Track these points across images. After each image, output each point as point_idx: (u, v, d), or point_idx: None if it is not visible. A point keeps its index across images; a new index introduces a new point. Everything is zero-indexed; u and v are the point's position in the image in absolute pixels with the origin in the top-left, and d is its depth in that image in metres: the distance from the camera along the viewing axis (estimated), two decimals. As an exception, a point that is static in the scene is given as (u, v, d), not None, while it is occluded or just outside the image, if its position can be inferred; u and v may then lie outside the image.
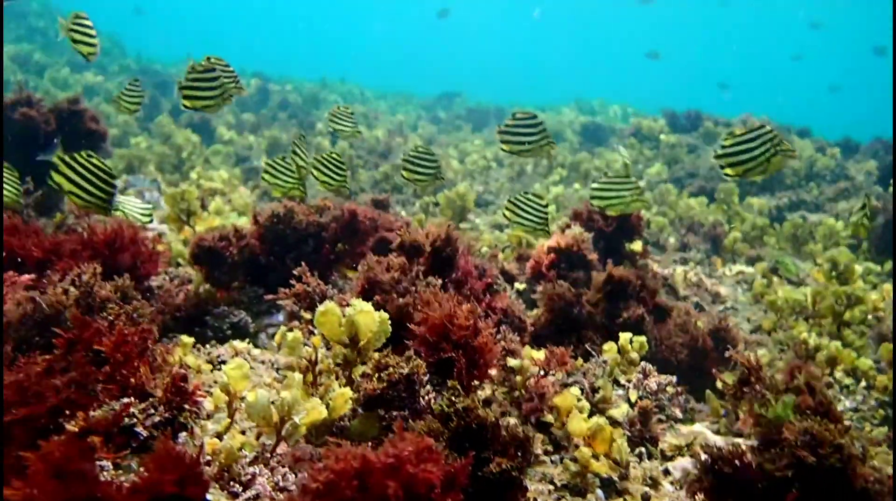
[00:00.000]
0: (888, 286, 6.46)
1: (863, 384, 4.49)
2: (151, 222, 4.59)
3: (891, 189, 10.35)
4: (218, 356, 3.43)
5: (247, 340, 4.07)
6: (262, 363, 3.49)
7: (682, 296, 5.98)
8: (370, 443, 2.19)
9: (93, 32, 4.16)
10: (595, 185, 4.38)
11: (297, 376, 2.75)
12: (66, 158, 3.16)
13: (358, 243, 5.27)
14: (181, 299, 4.27)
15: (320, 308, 2.97)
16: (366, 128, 16.88)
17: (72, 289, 2.56)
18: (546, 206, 4.67)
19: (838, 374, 4.43)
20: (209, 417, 2.53)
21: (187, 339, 3.21)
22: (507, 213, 4.72)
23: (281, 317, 4.65)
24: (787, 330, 4.97)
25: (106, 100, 16.34)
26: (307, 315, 3.78)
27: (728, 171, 3.70)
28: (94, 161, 3.23)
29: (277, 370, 3.41)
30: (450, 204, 8.72)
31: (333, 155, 4.47)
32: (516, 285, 5.37)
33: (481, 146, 16.03)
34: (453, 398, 2.20)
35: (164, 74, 20.66)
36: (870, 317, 5.55)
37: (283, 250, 4.54)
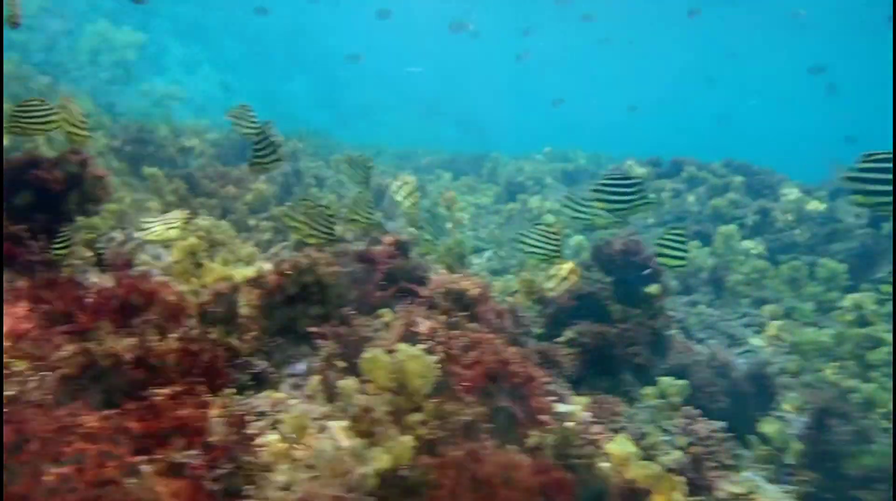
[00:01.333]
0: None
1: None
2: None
3: (883, 230, 10.51)
4: (255, 407, 3.28)
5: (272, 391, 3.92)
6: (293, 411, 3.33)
7: (698, 339, 5.94)
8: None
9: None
10: (660, 241, 4.04)
11: (356, 425, 2.62)
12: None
13: (373, 288, 5.16)
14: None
15: (367, 355, 2.86)
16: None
17: (126, 340, 2.43)
18: (557, 234, 4.63)
19: (875, 417, 4.37)
20: (268, 468, 2.38)
21: (227, 390, 3.05)
22: (520, 245, 4.67)
23: (303, 367, 4.50)
24: (814, 373, 4.92)
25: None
26: (341, 363, 3.65)
27: (858, 198, 3.12)
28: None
29: (316, 420, 3.26)
30: (448, 251, 8.67)
31: (363, 196, 4.47)
32: (534, 329, 5.28)
33: (467, 194, 16.10)
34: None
35: (144, 131, 20.52)
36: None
37: (306, 299, 4.42)
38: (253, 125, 4.65)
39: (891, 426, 4.37)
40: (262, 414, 3.24)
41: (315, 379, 3.62)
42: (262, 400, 3.34)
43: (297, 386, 4.28)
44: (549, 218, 13.22)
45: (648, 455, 3.36)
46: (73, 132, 3.99)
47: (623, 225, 4.31)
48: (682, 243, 4.21)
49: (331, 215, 4.18)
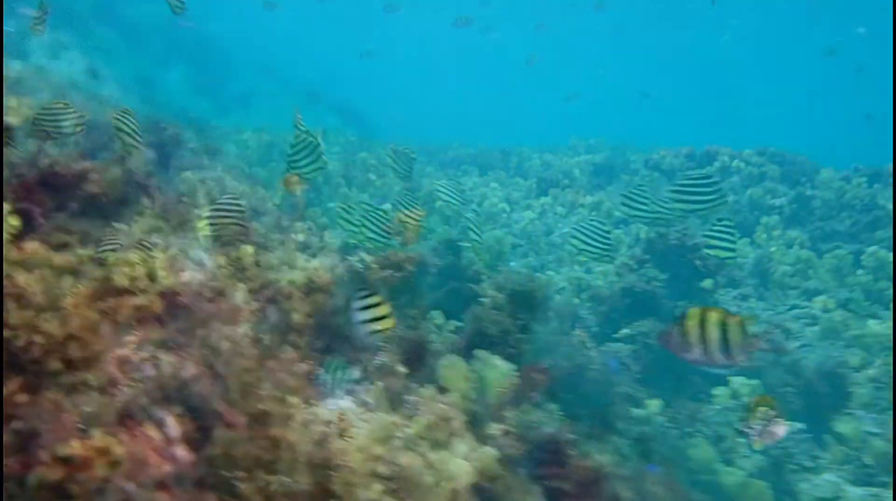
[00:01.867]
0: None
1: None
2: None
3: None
4: (321, 417, 3.21)
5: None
6: (366, 422, 3.27)
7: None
8: None
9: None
10: (708, 233, 3.96)
11: (434, 434, 2.55)
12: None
13: (426, 289, 5.09)
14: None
15: (445, 362, 2.79)
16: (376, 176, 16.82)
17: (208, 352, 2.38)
18: (609, 232, 4.50)
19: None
20: (354, 484, 2.31)
21: (293, 399, 2.99)
22: (573, 241, 4.55)
23: (356, 373, 4.45)
24: (880, 367, 4.77)
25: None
26: (402, 369, 3.58)
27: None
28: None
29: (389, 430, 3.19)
30: (488, 249, 8.58)
31: (412, 199, 4.41)
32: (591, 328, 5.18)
33: (497, 189, 15.96)
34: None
35: (169, 130, 20.61)
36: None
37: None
38: (299, 130, 4.56)
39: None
40: (328, 424, 3.18)
41: (377, 386, 3.55)
42: (327, 410, 3.27)
43: (350, 392, 4.22)
44: (583, 212, 13.07)
45: (728, 458, 3.25)
46: (130, 144, 3.94)
47: (683, 220, 4.19)
48: (731, 233, 4.09)
49: (388, 219, 4.12)
